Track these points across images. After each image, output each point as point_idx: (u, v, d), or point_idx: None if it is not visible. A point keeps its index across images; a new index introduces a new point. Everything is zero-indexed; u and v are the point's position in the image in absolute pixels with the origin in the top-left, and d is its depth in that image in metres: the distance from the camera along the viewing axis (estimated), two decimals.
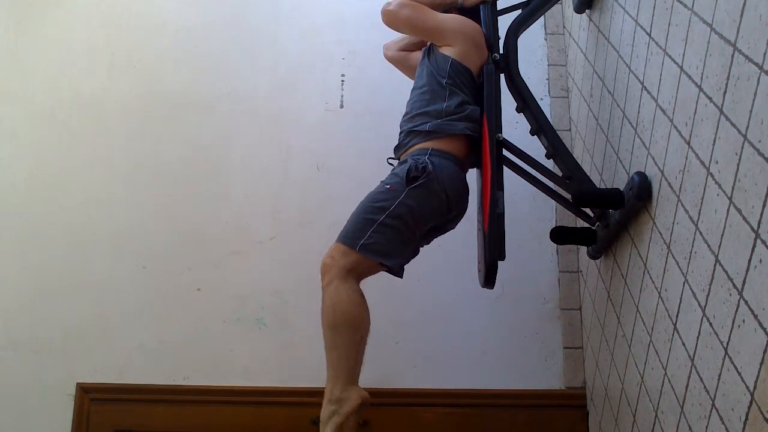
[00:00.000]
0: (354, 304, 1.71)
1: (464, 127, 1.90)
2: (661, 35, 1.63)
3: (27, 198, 2.84)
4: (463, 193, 1.90)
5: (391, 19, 2.03)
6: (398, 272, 1.85)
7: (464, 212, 1.96)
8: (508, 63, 2.05)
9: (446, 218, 1.88)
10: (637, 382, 1.79)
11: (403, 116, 2.03)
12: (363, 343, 1.72)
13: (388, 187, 1.80)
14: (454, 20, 2.03)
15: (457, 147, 1.90)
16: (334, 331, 1.68)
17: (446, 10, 2.09)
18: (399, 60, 2.28)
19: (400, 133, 2.00)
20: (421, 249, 1.92)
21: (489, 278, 1.88)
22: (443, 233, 1.96)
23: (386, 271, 1.83)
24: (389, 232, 1.74)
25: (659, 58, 1.64)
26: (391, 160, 2.02)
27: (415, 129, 1.93)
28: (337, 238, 1.78)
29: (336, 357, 1.68)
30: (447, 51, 1.98)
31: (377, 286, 2.65)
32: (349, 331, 1.68)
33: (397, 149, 2.00)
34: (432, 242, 2.63)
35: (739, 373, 1.17)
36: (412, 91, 2.06)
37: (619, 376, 1.98)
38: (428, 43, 2.10)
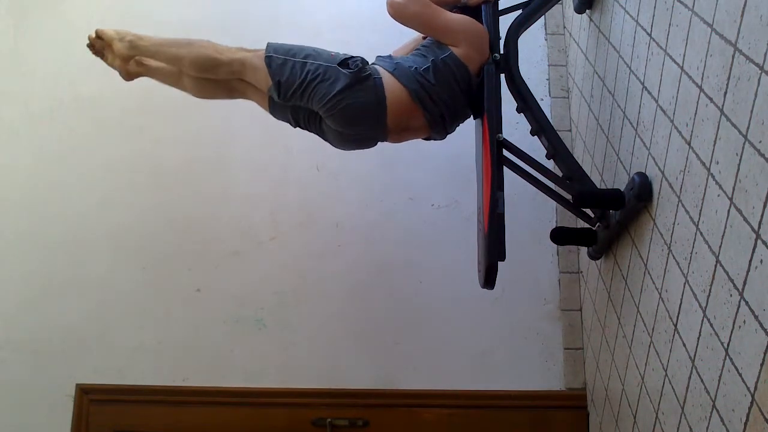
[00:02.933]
0: (211, 65, 1.93)
1: (417, 88, 1.90)
2: (662, 35, 1.63)
3: (27, 198, 2.84)
4: (351, 124, 1.91)
5: (397, 12, 2.01)
6: (273, 108, 1.98)
7: (339, 142, 1.99)
8: (508, 63, 2.04)
9: (318, 117, 1.93)
10: (638, 383, 1.78)
11: None
12: (171, 77, 2.08)
13: (331, 54, 1.91)
14: (461, 21, 2.01)
15: (397, 101, 1.91)
16: (183, 45, 1.98)
17: (449, 8, 2.09)
18: None
19: None
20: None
21: (489, 279, 1.88)
22: (318, 134, 2.03)
23: (269, 102, 1.96)
24: (292, 73, 1.86)
25: (660, 59, 1.64)
26: None
27: (386, 59, 1.99)
28: (272, 43, 1.93)
29: (159, 46, 2.01)
30: (451, 47, 1.98)
31: (378, 286, 2.67)
32: (178, 58, 1.98)
33: None
34: (431, 242, 2.66)
35: (740, 374, 1.17)
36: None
37: (620, 376, 1.97)
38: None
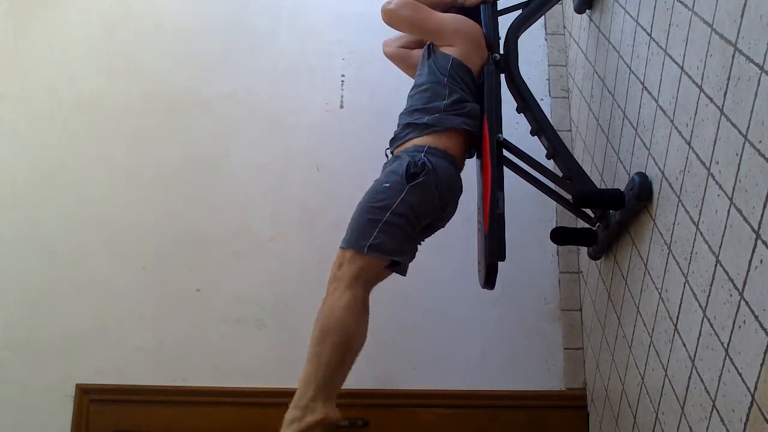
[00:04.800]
0: (352, 314, 1.64)
1: (462, 122, 1.89)
2: (662, 35, 1.63)
3: (27, 198, 2.84)
4: (458, 191, 1.90)
5: (391, 17, 2.02)
6: (405, 270, 1.84)
7: (455, 211, 1.96)
8: (508, 63, 2.04)
9: (440, 216, 1.88)
10: (638, 383, 1.78)
11: (403, 110, 2.02)
12: (350, 359, 1.64)
13: (387, 185, 1.77)
14: (454, 20, 2.02)
15: (453, 143, 1.89)
16: (323, 338, 1.62)
17: (446, 9, 2.09)
18: (398, 57, 2.28)
19: (398, 125, 2.00)
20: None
21: (489, 279, 1.88)
22: (433, 232, 1.96)
23: (393, 271, 1.82)
24: (394, 230, 1.72)
25: (660, 59, 1.64)
26: (387, 151, 2.01)
27: (413, 122, 1.92)
28: (342, 244, 1.75)
29: (316, 365, 1.60)
30: (448, 50, 1.97)
31: (378, 286, 2.66)
32: (338, 341, 1.61)
33: (393, 141, 2.00)
34: (431, 242, 2.65)
35: (740, 374, 1.17)
36: (412, 88, 2.05)
37: (620, 377, 1.97)
38: (428, 42, 2.09)
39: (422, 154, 1.81)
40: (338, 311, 1.64)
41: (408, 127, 1.93)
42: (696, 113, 1.41)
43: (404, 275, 1.86)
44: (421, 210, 1.77)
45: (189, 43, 2.98)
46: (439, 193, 1.80)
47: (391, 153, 1.99)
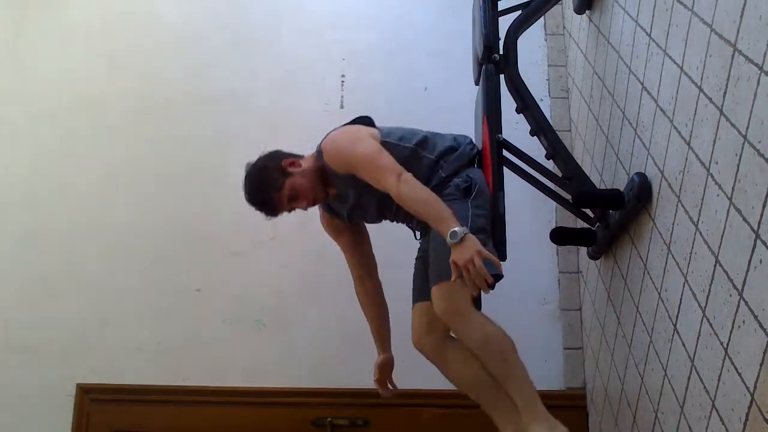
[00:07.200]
0: (497, 329, 1.79)
1: (474, 148, 1.94)
2: (661, 36, 1.63)
3: (27, 198, 2.84)
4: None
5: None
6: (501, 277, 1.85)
7: None
8: (508, 63, 2.04)
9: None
10: (637, 383, 1.78)
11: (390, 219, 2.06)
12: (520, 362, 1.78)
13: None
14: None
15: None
16: (505, 361, 1.78)
17: None
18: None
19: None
20: None
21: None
22: None
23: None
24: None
25: (659, 59, 1.64)
26: (416, 233, 2.08)
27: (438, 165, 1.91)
28: (435, 280, 1.77)
29: (518, 386, 1.78)
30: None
31: None
32: (512, 354, 1.78)
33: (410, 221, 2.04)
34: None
35: (739, 374, 1.17)
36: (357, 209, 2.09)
37: (619, 376, 1.97)
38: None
39: (465, 170, 1.88)
40: (490, 332, 1.79)
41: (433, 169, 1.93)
42: (695, 113, 1.41)
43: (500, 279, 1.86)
44: (488, 217, 1.82)
45: (189, 43, 2.99)
46: (489, 196, 1.85)
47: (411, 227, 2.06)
